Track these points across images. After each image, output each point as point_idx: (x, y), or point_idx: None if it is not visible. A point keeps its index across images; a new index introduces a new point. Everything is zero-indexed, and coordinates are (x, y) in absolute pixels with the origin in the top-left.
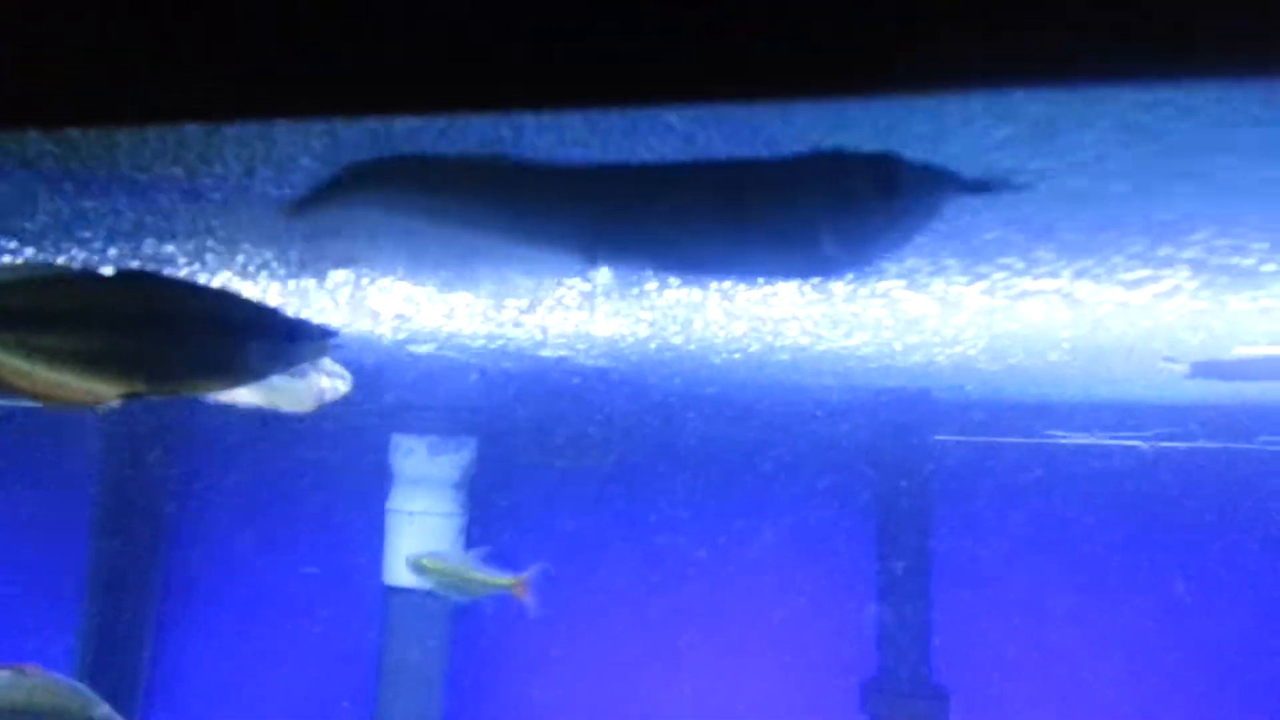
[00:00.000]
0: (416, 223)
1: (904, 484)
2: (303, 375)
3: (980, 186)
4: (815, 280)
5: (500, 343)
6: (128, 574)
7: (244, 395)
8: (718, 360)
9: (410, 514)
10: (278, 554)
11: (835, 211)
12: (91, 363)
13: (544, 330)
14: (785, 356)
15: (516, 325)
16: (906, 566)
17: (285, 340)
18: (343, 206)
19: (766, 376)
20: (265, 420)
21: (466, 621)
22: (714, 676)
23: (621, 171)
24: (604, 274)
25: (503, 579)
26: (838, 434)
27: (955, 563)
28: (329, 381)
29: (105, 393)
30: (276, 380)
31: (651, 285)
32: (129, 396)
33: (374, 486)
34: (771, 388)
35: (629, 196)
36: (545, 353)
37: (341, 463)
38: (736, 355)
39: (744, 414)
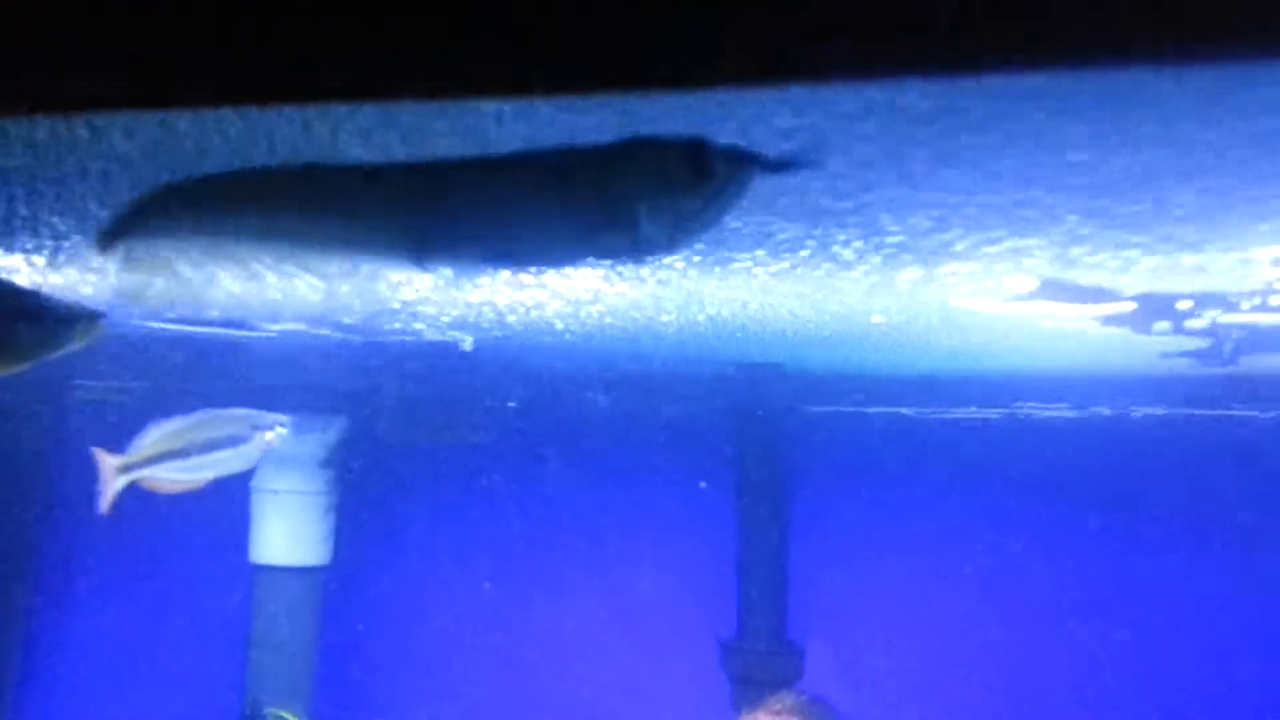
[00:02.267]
0: (230, 240)
1: (761, 455)
2: (245, 440)
3: (781, 166)
4: (633, 262)
5: (360, 320)
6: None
7: (191, 475)
8: (573, 336)
9: (276, 492)
10: (147, 536)
11: (652, 194)
12: None
13: (407, 308)
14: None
15: (380, 305)
16: (764, 534)
17: (55, 322)
18: (151, 233)
19: (632, 352)
20: (129, 405)
21: (338, 594)
22: (583, 643)
23: (441, 168)
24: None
25: None
26: (701, 407)
27: (811, 528)
28: (270, 434)
29: None
30: (220, 455)
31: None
32: None
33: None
34: (640, 363)
35: (450, 193)
36: (409, 329)
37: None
38: (605, 326)
39: (613, 389)
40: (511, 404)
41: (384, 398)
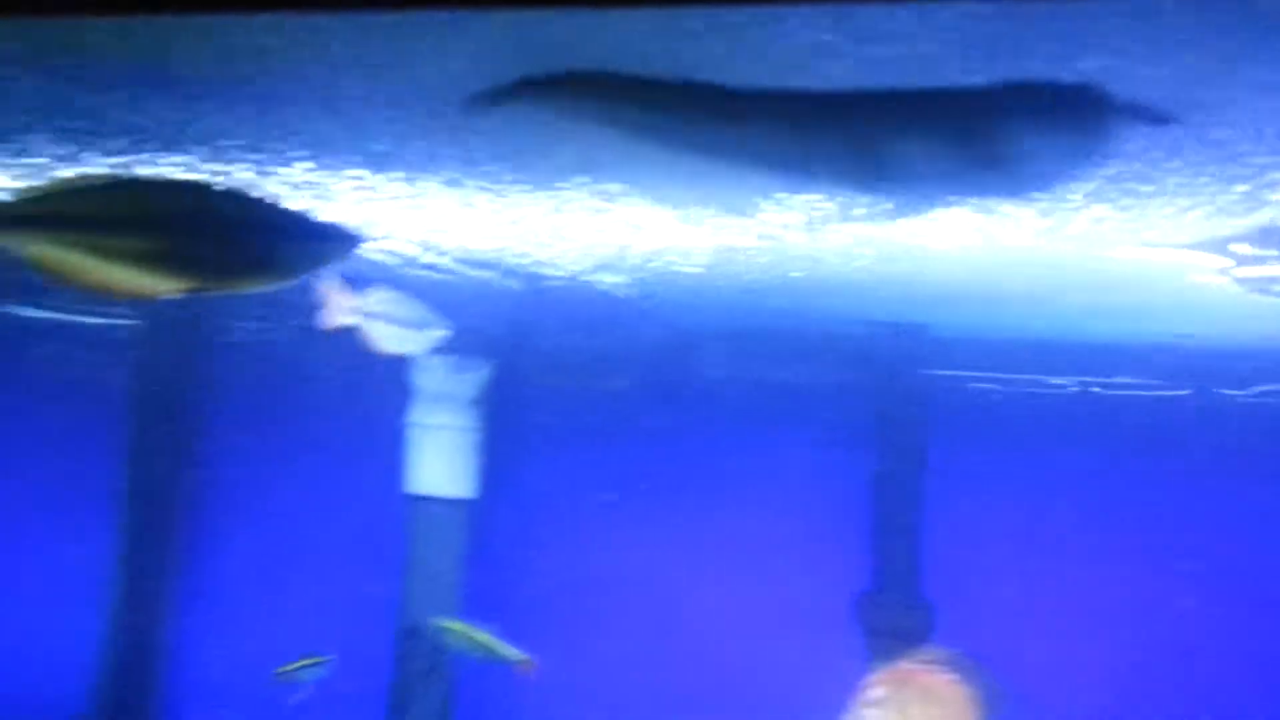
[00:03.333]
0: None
1: (902, 415)
2: (427, 326)
3: (1161, 118)
4: (1010, 199)
5: (523, 263)
6: (158, 486)
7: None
8: (723, 286)
9: (431, 427)
10: (309, 465)
11: (1040, 135)
12: (147, 262)
13: (564, 253)
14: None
15: (541, 247)
16: (900, 490)
17: (316, 242)
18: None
19: (784, 308)
20: (292, 342)
21: (483, 528)
22: (721, 592)
23: (844, 98)
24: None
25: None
26: (843, 364)
27: (949, 489)
28: (440, 333)
29: (159, 289)
30: (413, 333)
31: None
32: (180, 293)
33: (398, 402)
34: (788, 319)
35: (851, 122)
36: (565, 276)
37: (366, 380)
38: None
39: (757, 345)
40: (656, 354)
41: (535, 341)
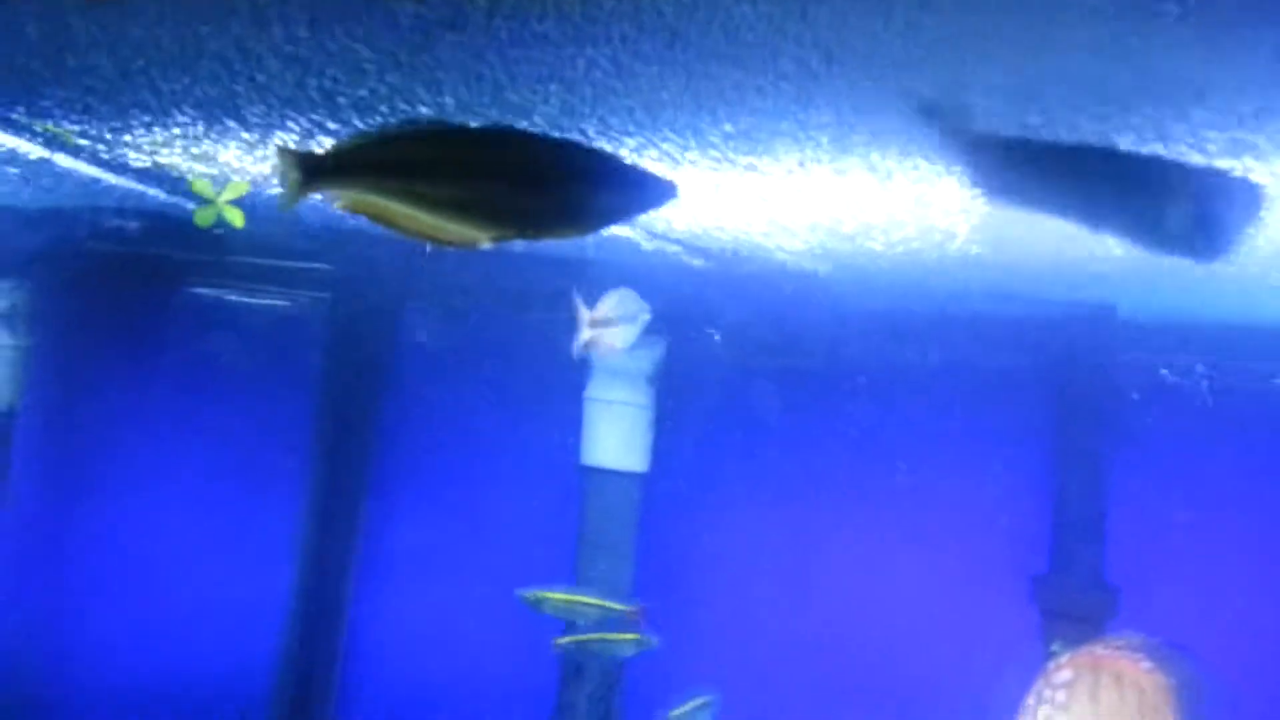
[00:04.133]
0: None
1: (1083, 395)
2: (638, 317)
3: None
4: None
5: (700, 239)
6: (344, 456)
7: (619, 340)
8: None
9: (607, 402)
10: (490, 437)
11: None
12: (466, 209)
13: (746, 229)
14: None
15: (721, 224)
16: (1083, 474)
17: (635, 190)
18: None
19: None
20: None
21: (656, 500)
22: (896, 570)
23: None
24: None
25: (617, 605)
26: (1026, 346)
27: (1130, 473)
28: (646, 316)
29: (478, 236)
30: (627, 328)
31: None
32: (498, 239)
33: (576, 377)
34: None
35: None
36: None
37: (546, 355)
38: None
39: (931, 330)
40: (833, 337)
41: (711, 320)
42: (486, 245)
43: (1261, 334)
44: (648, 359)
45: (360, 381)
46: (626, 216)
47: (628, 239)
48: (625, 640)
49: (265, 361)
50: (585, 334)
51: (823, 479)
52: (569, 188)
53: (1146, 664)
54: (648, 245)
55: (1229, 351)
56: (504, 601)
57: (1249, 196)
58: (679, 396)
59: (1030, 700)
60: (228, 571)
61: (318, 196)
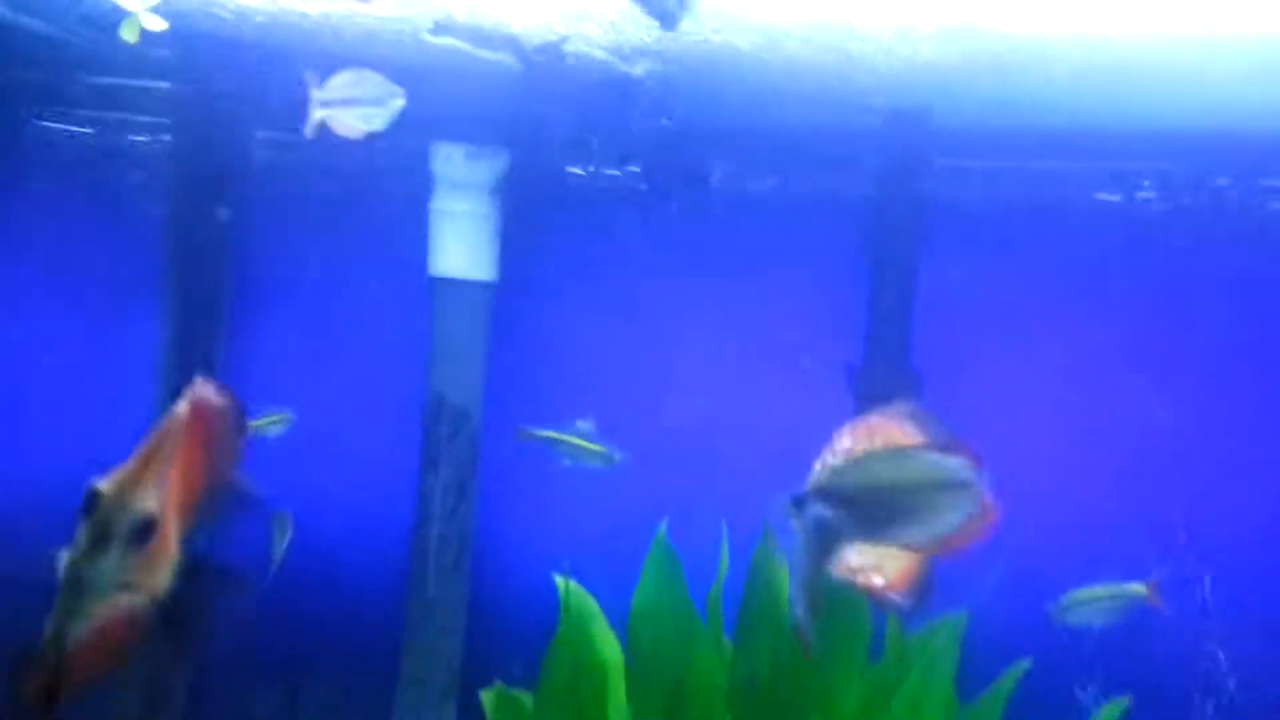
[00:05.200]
0: None
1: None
2: (388, 100)
3: None
4: None
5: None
6: (198, 284)
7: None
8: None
9: (451, 213)
10: (337, 251)
11: None
12: None
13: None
14: None
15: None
16: (893, 278)
17: None
18: None
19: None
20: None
21: (505, 309)
22: (730, 370)
23: None
24: None
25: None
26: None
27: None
28: (399, 101)
29: None
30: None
31: None
32: None
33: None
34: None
35: None
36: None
37: (390, 168)
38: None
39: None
40: (671, 144)
41: (547, 129)
42: None
43: (1069, 136)
44: (489, 170)
45: (210, 207)
46: None
47: (457, 48)
48: (593, 450)
49: (112, 191)
50: (316, 113)
51: (663, 288)
52: None
53: (909, 426)
54: (480, 53)
55: (1036, 154)
56: (366, 409)
57: None
58: (524, 207)
59: (817, 465)
60: (87, 404)
61: None
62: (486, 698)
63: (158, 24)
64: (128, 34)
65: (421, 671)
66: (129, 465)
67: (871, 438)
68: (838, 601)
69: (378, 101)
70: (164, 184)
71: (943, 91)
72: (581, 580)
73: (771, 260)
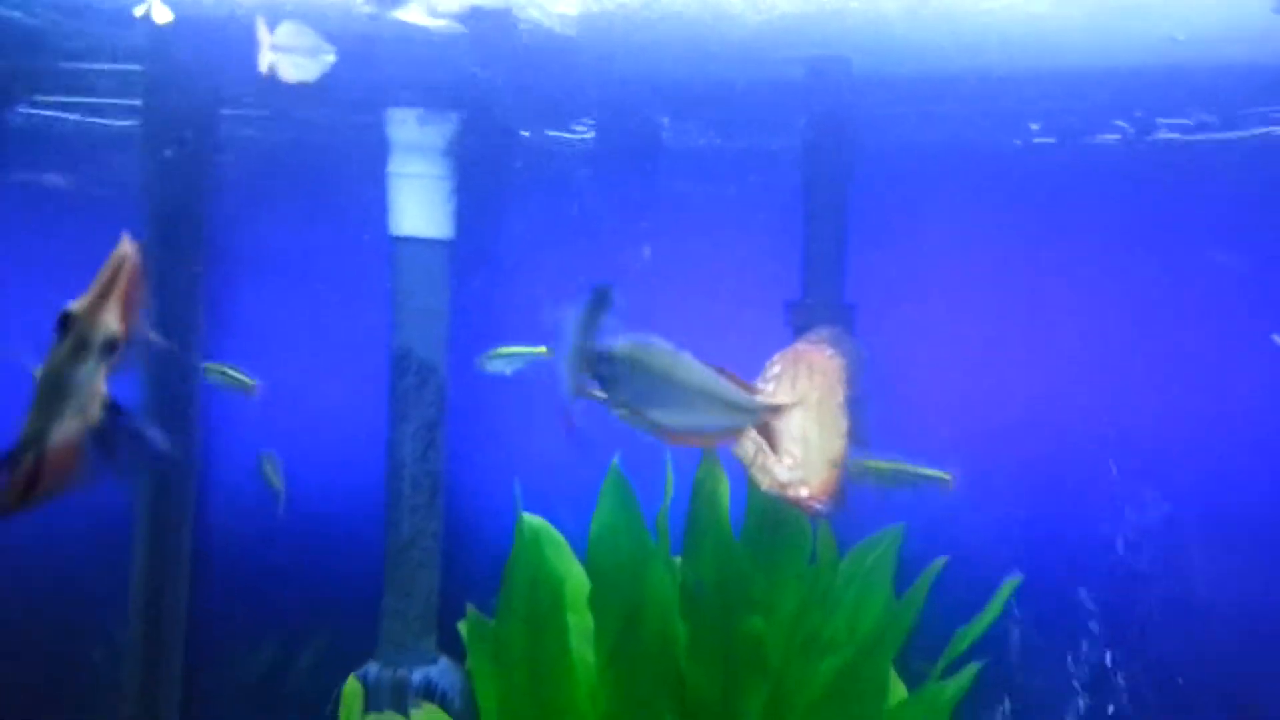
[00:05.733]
0: None
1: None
2: (322, 51)
3: None
4: None
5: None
6: (174, 264)
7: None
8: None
9: (407, 176)
10: (307, 218)
11: None
12: None
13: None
14: None
15: None
16: (826, 218)
17: None
18: None
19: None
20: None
21: (464, 264)
22: (679, 310)
23: None
24: None
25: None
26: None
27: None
28: (330, 57)
29: None
30: (309, 60)
31: None
32: None
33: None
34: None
35: None
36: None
37: (348, 133)
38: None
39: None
40: (605, 98)
41: (494, 93)
42: None
43: (999, 82)
44: (440, 134)
45: (184, 185)
46: None
47: (410, 22)
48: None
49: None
50: (266, 55)
51: (613, 237)
52: None
53: (829, 351)
54: (430, 23)
55: (963, 100)
56: (335, 365)
57: None
58: (476, 167)
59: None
60: None
61: None
62: (463, 627)
63: (165, 15)
64: (158, 16)
65: (401, 605)
66: (92, 293)
67: (797, 362)
68: (777, 512)
69: (310, 53)
70: (138, 163)
71: (859, 43)
72: (547, 512)
73: (715, 211)
